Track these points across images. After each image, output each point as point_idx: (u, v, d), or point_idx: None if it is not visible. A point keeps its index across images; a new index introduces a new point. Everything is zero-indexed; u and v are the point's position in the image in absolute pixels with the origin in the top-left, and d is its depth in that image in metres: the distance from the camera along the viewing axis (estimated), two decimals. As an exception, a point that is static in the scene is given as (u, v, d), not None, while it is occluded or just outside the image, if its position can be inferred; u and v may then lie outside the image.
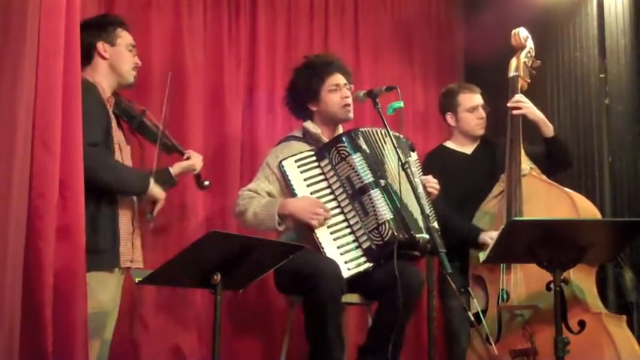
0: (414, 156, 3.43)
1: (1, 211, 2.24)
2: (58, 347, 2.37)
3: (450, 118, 3.86)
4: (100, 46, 3.05)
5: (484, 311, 3.31)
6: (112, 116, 3.03)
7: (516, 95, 3.59)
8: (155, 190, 3.06)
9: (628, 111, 3.90)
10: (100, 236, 2.83)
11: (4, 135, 2.28)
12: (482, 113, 3.80)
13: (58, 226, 2.43)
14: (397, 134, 3.25)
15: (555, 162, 3.64)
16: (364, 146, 3.28)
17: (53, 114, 2.43)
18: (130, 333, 3.62)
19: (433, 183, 3.40)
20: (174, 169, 3.21)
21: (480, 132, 3.82)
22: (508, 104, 3.59)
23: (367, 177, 3.20)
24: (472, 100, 3.80)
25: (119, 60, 3.07)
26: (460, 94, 3.81)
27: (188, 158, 3.27)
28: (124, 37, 3.11)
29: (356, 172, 3.22)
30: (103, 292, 2.84)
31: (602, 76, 3.97)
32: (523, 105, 3.56)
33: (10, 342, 2.22)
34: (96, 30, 3.06)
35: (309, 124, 3.48)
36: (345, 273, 3.10)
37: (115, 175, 2.91)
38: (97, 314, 2.63)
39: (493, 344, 3.13)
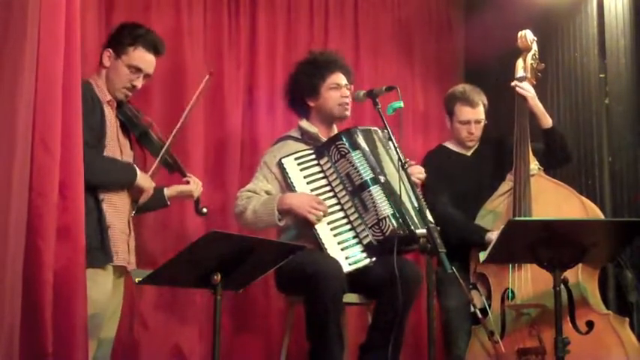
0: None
1: (1, 211, 2.24)
2: (58, 347, 2.36)
3: (447, 122, 3.86)
4: (106, 53, 3.06)
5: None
6: (111, 117, 3.01)
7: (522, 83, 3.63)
8: (141, 180, 3.02)
9: (628, 111, 3.90)
10: (86, 233, 2.71)
11: (4, 135, 2.28)
12: (472, 128, 3.74)
13: (58, 226, 2.43)
14: (374, 128, 3.33)
15: (554, 155, 3.63)
16: (363, 144, 3.29)
17: (53, 114, 2.43)
18: (130, 332, 3.62)
19: (417, 172, 3.37)
20: (169, 191, 3.21)
21: (470, 144, 3.79)
22: (512, 84, 3.62)
23: (367, 174, 3.22)
24: (466, 114, 3.73)
25: (114, 74, 3.04)
26: (457, 104, 3.75)
27: (188, 182, 3.24)
28: (133, 57, 3.04)
29: (355, 169, 3.23)
30: (96, 289, 2.78)
31: (602, 76, 3.97)
32: (527, 92, 3.59)
33: (10, 342, 2.21)
34: (116, 37, 3.08)
35: (304, 124, 3.48)
36: (346, 268, 3.12)
37: (102, 173, 2.88)
38: (91, 316, 2.61)
39: (500, 341, 3.13)
